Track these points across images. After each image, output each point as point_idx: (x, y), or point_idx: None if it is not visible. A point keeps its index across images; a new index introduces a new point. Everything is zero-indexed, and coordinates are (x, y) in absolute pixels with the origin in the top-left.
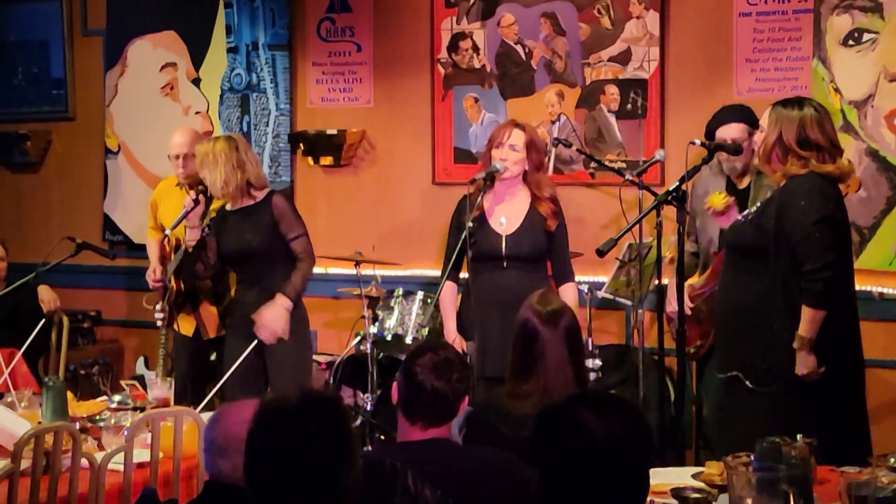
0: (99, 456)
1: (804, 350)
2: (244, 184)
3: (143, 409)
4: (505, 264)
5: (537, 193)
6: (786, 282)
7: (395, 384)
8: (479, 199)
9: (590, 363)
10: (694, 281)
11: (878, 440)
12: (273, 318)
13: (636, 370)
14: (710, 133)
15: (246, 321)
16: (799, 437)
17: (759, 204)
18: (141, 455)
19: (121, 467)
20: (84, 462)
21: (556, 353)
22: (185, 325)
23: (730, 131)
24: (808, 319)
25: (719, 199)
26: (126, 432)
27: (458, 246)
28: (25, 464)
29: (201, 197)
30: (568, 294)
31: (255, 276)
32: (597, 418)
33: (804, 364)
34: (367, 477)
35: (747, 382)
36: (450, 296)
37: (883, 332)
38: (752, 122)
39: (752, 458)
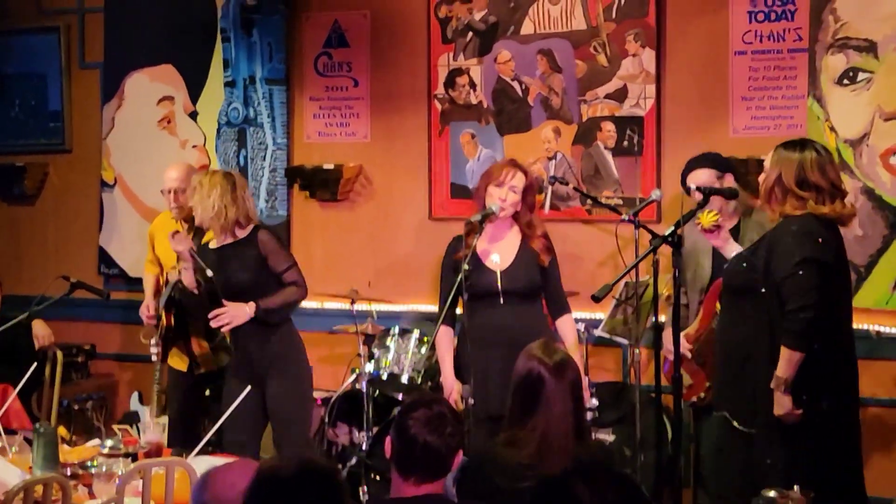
0: None
1: (779, 390)
2: (233, 220)
3: (135, 456)
4: (501, 300)
5: (528, 232)
6: (772, 321)
7: (388, 439)
8: (475, 241)
9: (602, 436)
10: (688, 330)
11: (877, 480)
12: (234, 311)
13: (633, 408)
14: (682, 181)
15: (243, 361)
16: (796, 488)
17: (752, 243)
18: (132, 503)
19: None
20: None
21: (561, 404)
22: (178, 361)
23: (698, 177)
24: (785, 360)
25: (708, 216)
26: (118, 481)
27: (455, 289)
28: None
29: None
30: (566, 326)
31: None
32: (591, 494)
33: (780, 405)
34: None
35: (735, 423)
36: (446, 341)
37: (880, 370)
38: (719, 166)
39: None
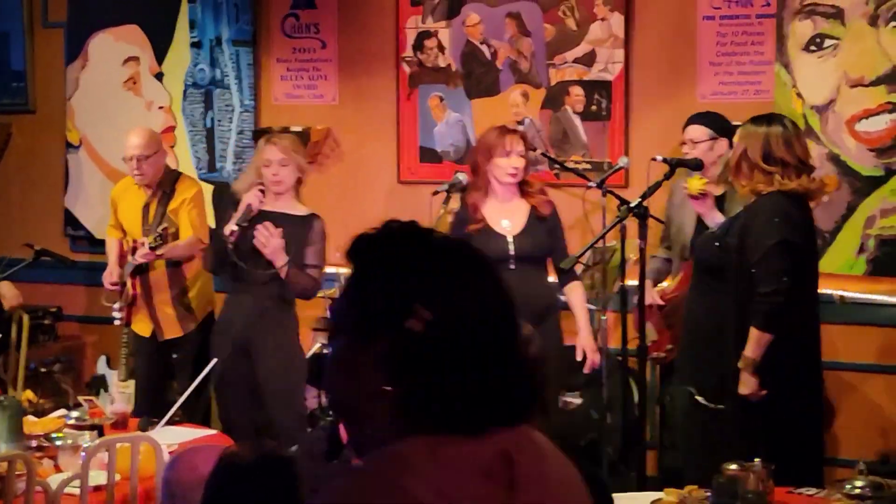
0: (54, 479)
1: (747, 370)
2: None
3: (100, 427)
4: (512, 265)
5: (525, 189)
6: (740, 301)
7: (341, 426)
8: (443, 210)
9: (569, 399)
10: (665, 285)
11: (840, 442)
12: (275, 244)
13: (600, 371)
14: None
15: (233, 324)
16: (757, 461)
17: (725, 221)
18: (98, 477)
19: (77, 491)
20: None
21: None
22: (142, 326)
23: (691, 132)
24: (754, 340)
25: (696, 182)
26: (83, 455)
27: None
28: None
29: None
30: (575, 294)
31: (256, 282)
32: None
33: (746, 384)
34: None
35: (698, 398)
36: None
37: (843, 335)
38: (716, 127)
39: (709, 494)
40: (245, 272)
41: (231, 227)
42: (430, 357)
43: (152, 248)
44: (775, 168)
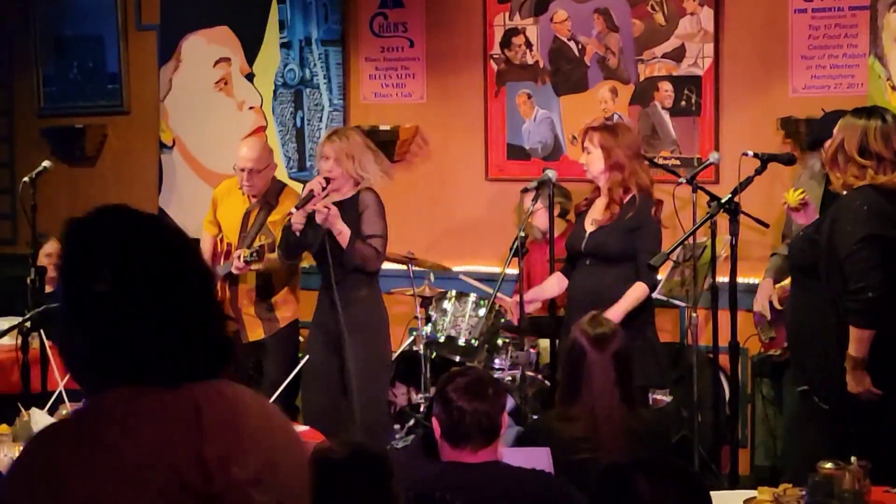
0: None
1: (856, 369)
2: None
3: None
4: (588, 262)
5: (608, 193)
6: (836, 299)
7: (433, 420)
8: (532, 205)
9: (659, 396)
10: (785, 283)
11: None
12: (335, 212)
13: (691, 369)
14: (816, 141)
15: (324, 326)
16: (853, 459)
17: (817, 217)
18: None
19: None
20: None
21: (603, 375)
22: None
23: None
24: (855, 339)
25: (793, 195)
26: None
27: (511, 252)
28: None
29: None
30: (632, 289)
31: (333, 276)
32: (651, 487)
33: (857, 383)
34: None
35: (815, 398)
36: (549, 281)
37: None
38: None
39: (804, 492)
40: (326, 272)
41: (292, 210)
42: (118, 318)
43: (247, 262)
44: (870, 162)
